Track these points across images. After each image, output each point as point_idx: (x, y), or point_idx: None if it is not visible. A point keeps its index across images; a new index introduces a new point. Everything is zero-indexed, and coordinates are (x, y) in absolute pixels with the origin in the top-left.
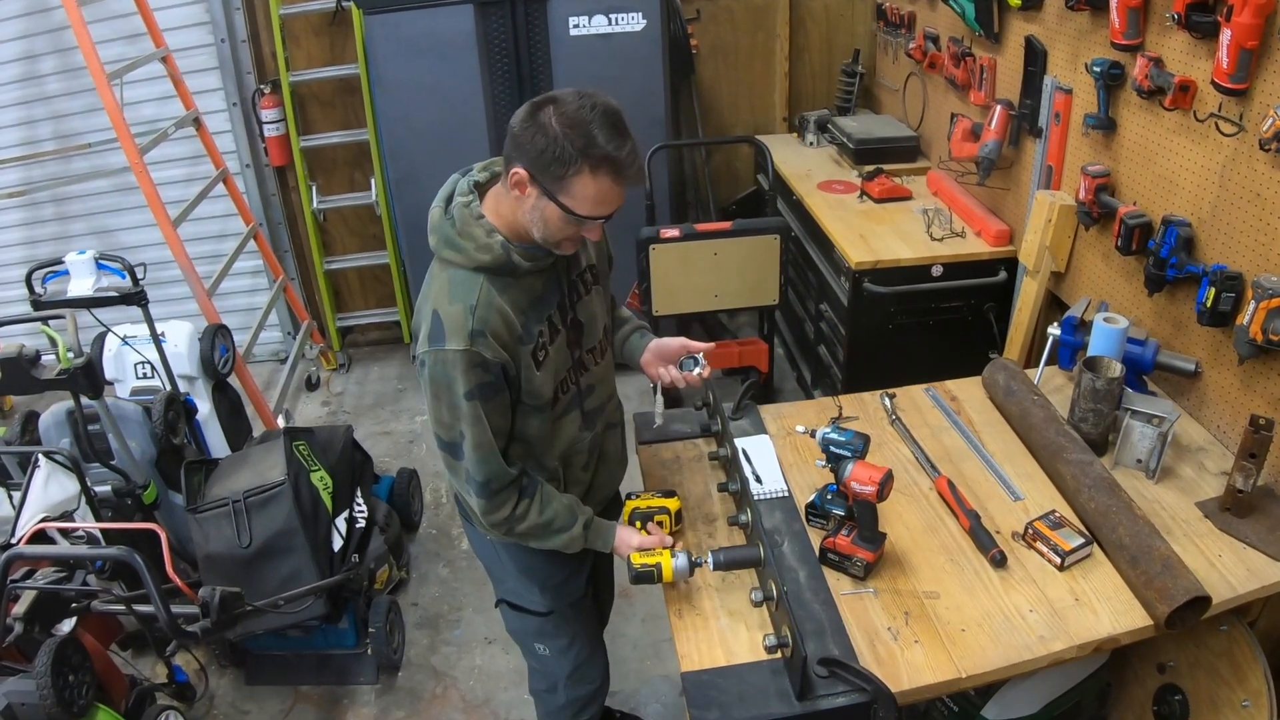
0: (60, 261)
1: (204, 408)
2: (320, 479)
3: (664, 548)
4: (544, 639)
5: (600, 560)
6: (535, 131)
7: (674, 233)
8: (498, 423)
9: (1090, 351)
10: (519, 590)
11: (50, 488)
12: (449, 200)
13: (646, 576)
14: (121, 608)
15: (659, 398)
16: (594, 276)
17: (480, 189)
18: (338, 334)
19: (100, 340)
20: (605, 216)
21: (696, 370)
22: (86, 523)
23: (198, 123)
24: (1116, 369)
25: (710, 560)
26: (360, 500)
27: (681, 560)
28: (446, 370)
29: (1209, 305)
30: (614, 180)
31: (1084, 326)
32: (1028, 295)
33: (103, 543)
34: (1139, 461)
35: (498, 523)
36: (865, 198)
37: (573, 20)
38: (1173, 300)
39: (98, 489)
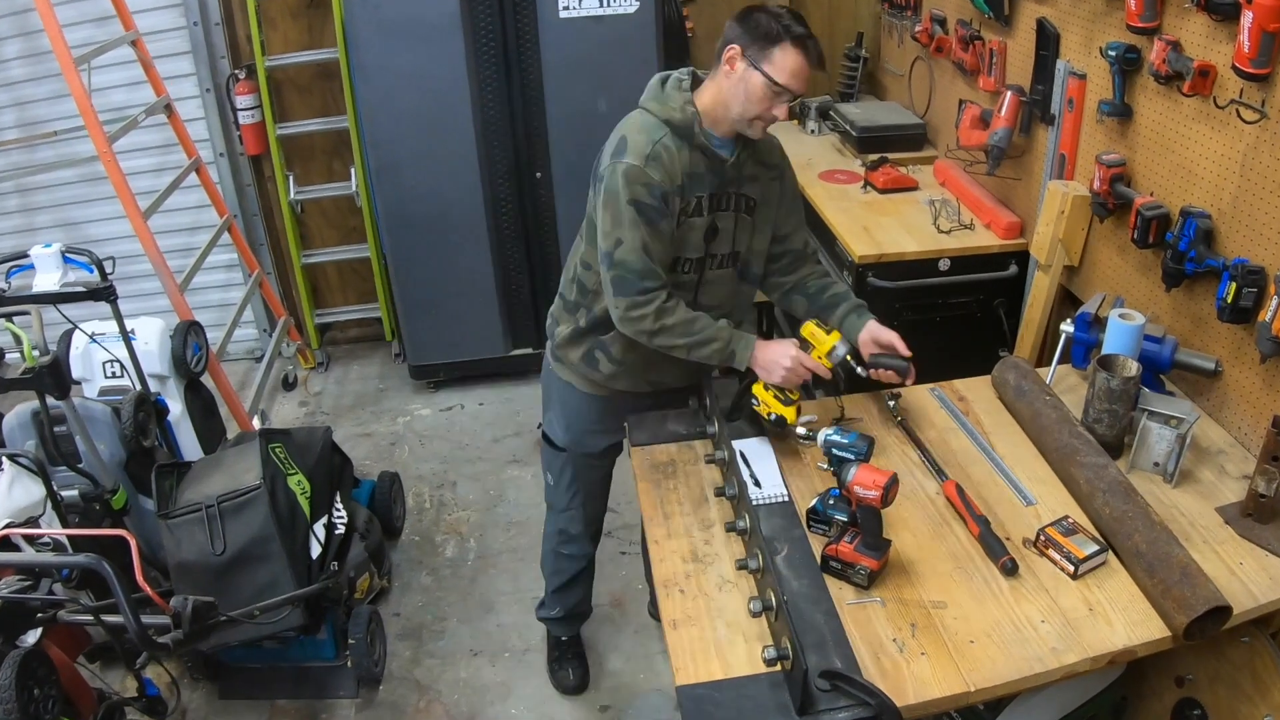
0: (25, 255)
1: (176, 408)
2: (298, 483)
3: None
4: (553, 470)
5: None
6: (748, 19)
7: None
8: (656, 244)
9: (1105, 349)
10: (551, 420)
11: (14, 492)
12: (664, 81)
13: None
14: (89, 618)
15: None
16: (749, 208)
17: (694, 81)
18: (316, 331)
19: (67, 338)
20: (795, 93)
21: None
22: (52, 529)
23: (169, 109)
24: (1133, 368)
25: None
26: (339, 505)
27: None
28: (618, 179)
29: (1230, 301)
30: (806, 57)
31: (1098, 323)
32: (1039, 290)
33: (70, 550)
34: (1156, 465)
35: (645, 315)
36: (869, 188)
37: (562, 2)
38: (1191, 295)
39: (64, 493)
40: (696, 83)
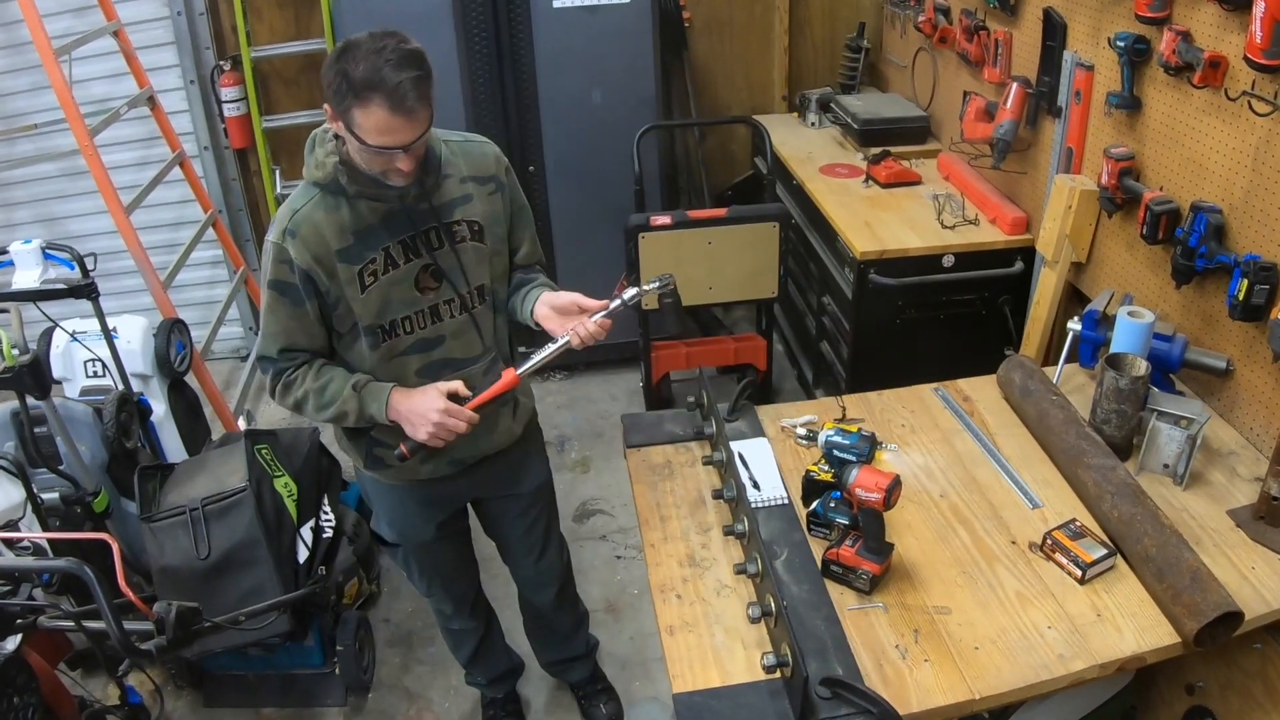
0: (4, 251)
1: (159, 409)
2: (284, 485)
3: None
4: (404, 565)
5: (497, 528)
6: (328, 70)
7: (665, 220)
8: (288, 325)
9: (1113, 348)
10: (377, 518)
11: None
12: (313, 140)
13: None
14: (70, 624)
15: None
16: (474, 233)
17: None
18: None
19: (47, 336)
20: (399, 147)
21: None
22: (33, 532)
23: (152, 102)
24: (1141, 367)
25: None
26: (327, 508)
27: None
28: (266, 258)
29: (1241, 298)
30: (388, 111)
31: (1106, 321)
32: (1046, 287)
33: (50, 554)
34: (1166, 466)
35: (278, 395)
36: (871, 182)
37: None
38: (1202, 293)
39: (45, 496)
40: None
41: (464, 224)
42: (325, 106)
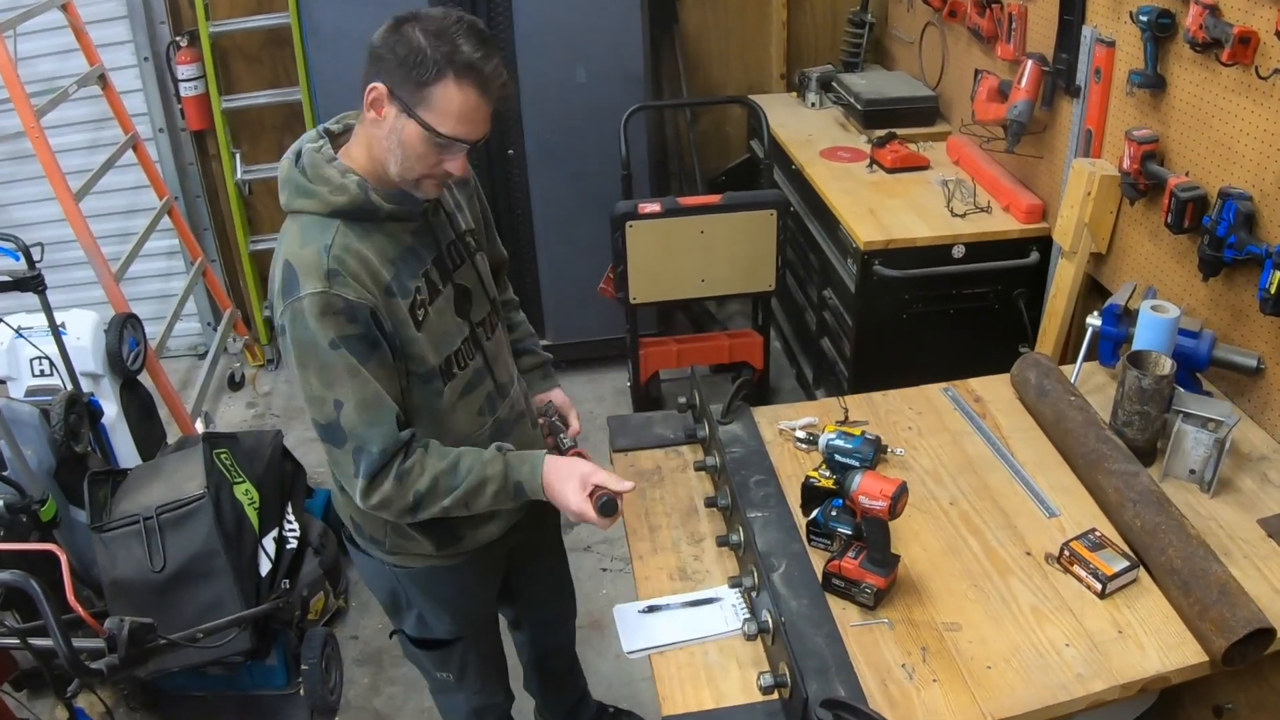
0: None
1: (111, 410)
2: (245, 493)
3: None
4: (448, 667)
5: (534, 573)
6: (396, 41)
7: (654, 207)
8: (377, 390)
9: (1136, 345)
10: (420, 620)
11: None
12: (299, 154)
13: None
14: (15, 641)
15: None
16: (476, 242)
17: (333, 139)
18: (265, 325)
19: None
20: (470, 141)
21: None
22: None
23: (103, 80)
24: (1166, 365)
25: None
26: (291, 517)
27: None
28: (306, 323)
29: (1273, 291)
30: (479, 94)
31: (1128, 316)
32: (1064, 280)
33: None
34: (1192, 472)
35: (390, 498)
36: (875, 167)
37: None
38: (1231, 285)
39: None
40: (334, 139)
41: (469, 234)
42: (373, 87)
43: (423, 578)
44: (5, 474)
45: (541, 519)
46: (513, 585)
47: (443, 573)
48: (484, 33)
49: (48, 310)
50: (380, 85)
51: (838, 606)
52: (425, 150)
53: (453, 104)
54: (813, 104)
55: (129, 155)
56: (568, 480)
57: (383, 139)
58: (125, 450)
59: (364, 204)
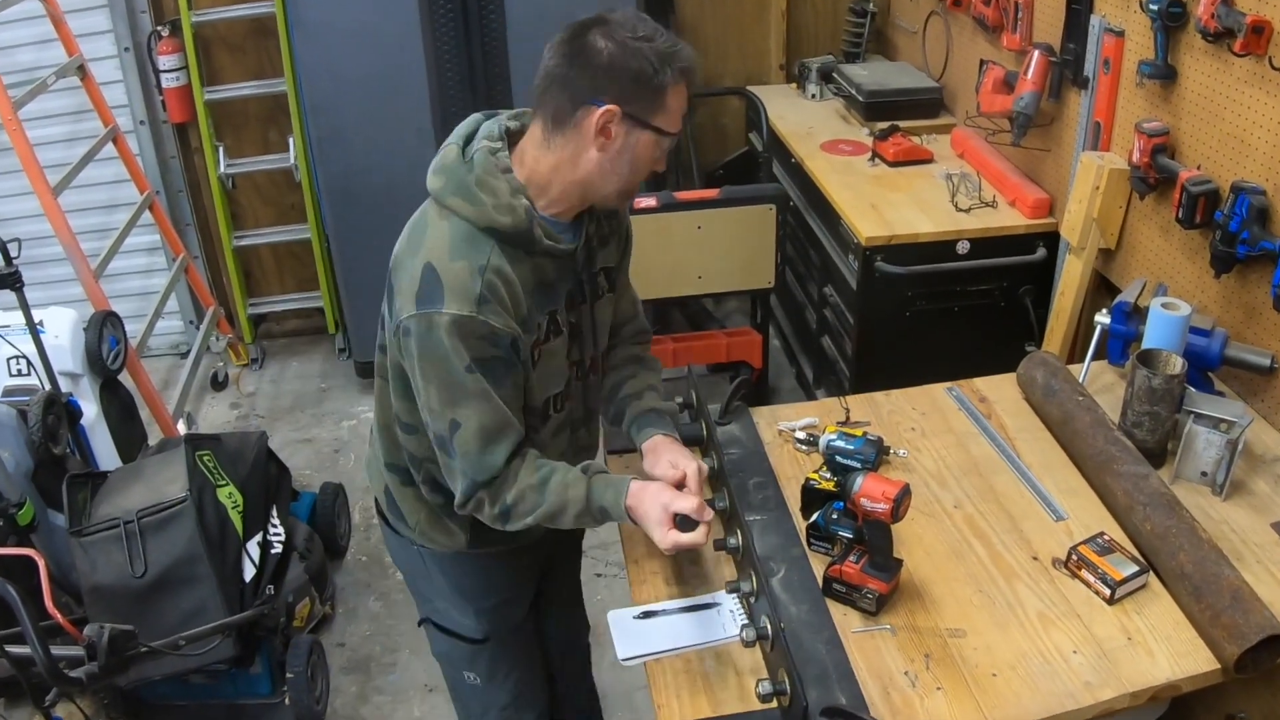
0: None
1: (90, 410)
2: (229, 496)
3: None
4: (475, 667)
5: (556, 583)
6: (624, 56)
7: (649, 202)
8: (505, 412)
9: (1145, 344)
10: (449, 612)
11: None
12: (468, 140)
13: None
14: None
15: None
16: (609, 283)
17: (510, 138)
18: (249, 323)
19: None
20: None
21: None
22: None
23: (82, 71)
24: (1177, 364)
25: None
26: (276, 521)
27: None
28: (442, 339)
29: None
30: (689, 86)
31: (1138, 314)
32: (1071, 276)
33: None
34: (1204, 474)
35: (483, 504)
36: (878, 160)
37: None
38: (1244, 282)
39: None
40: (511, 137)
41: (602, 272)
42: (608, 110)
43: (450, 563)
44: None
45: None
46: (538, 597)
47: (469, 562)
48: (665, 30)
49: (25, 308)
50: (614, 107)
51: (839, 612)
52: (652, 154)
53: (678, 102)
54: (813, 95)
55: (109, 148)
56: (651, 509)
57: (609, 162)
58: (105, 452)
59: (525, 232)
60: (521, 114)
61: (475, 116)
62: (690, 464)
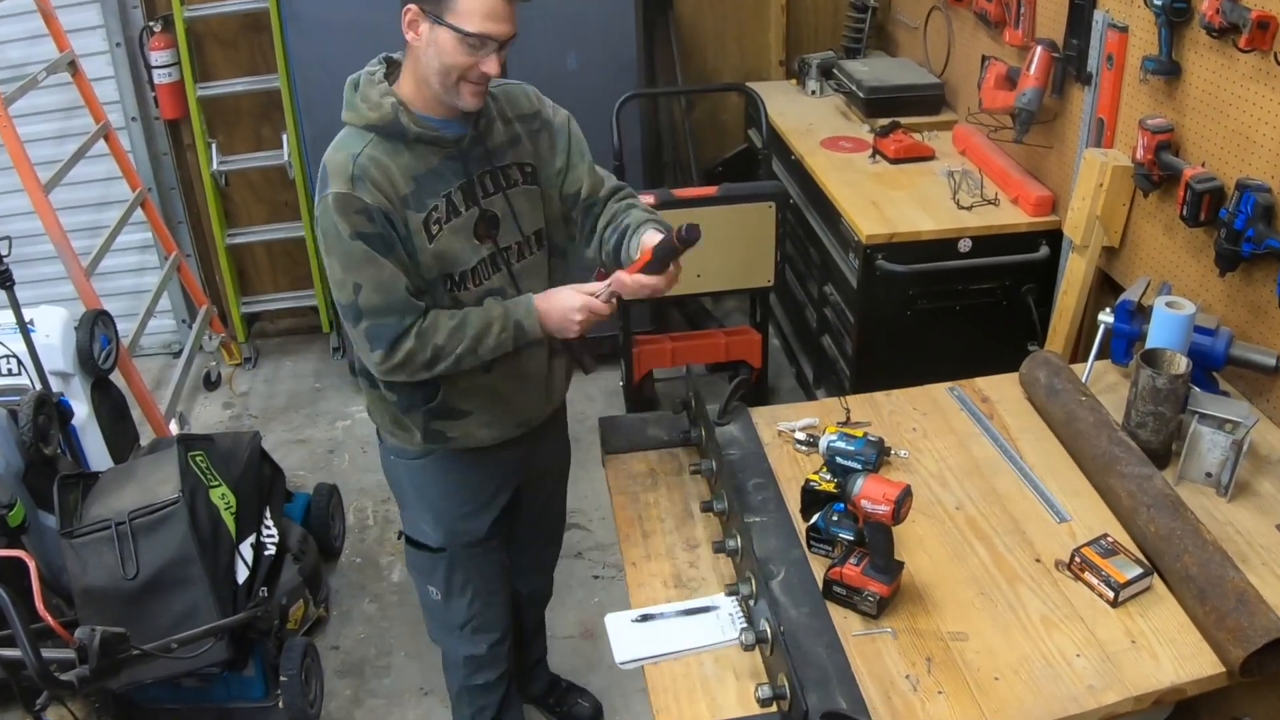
0: None
1: (81, 410)
2: (221, 497)
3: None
4: (434, 580)
5: (526, 513)
6: None
7: (648, 200)
8: (393, 276)
9: (1150, 343)
10: (415, 522)
11: None
12: (356, 83)
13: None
14: None
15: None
16: (525, 175)
17: (392, 67)
18: (242, 322)
19: None
20: (497, 38)
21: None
22: None
23: (74, 67)
24: (1181, 364)
25: None
26: (270, 522)
27: None
28: (331, 216)
29: None
30: None
31: (1142, 313)
32: (1074, 275)
33: None
34: (1208, 475)
35: (410, 350)
36: (878, 157)
37: None
38: (1249, 281)
39: None
40: (395, 69)
41: (515, 167)
42: (407, 9)
43: (415, 471)
44: None
45: (553, 456)
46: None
47: (437, 470)
48: None
49: (15, 307)
50: (412, 6)
51: (839, 615)
52: (460, 54)
53: (474, 4)
54: (813, 92)
55: (100, 145)
56: (558, 301)
57: (421, 56)
58: (96, 452)
59: (393, 123)
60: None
61: (358, 72)
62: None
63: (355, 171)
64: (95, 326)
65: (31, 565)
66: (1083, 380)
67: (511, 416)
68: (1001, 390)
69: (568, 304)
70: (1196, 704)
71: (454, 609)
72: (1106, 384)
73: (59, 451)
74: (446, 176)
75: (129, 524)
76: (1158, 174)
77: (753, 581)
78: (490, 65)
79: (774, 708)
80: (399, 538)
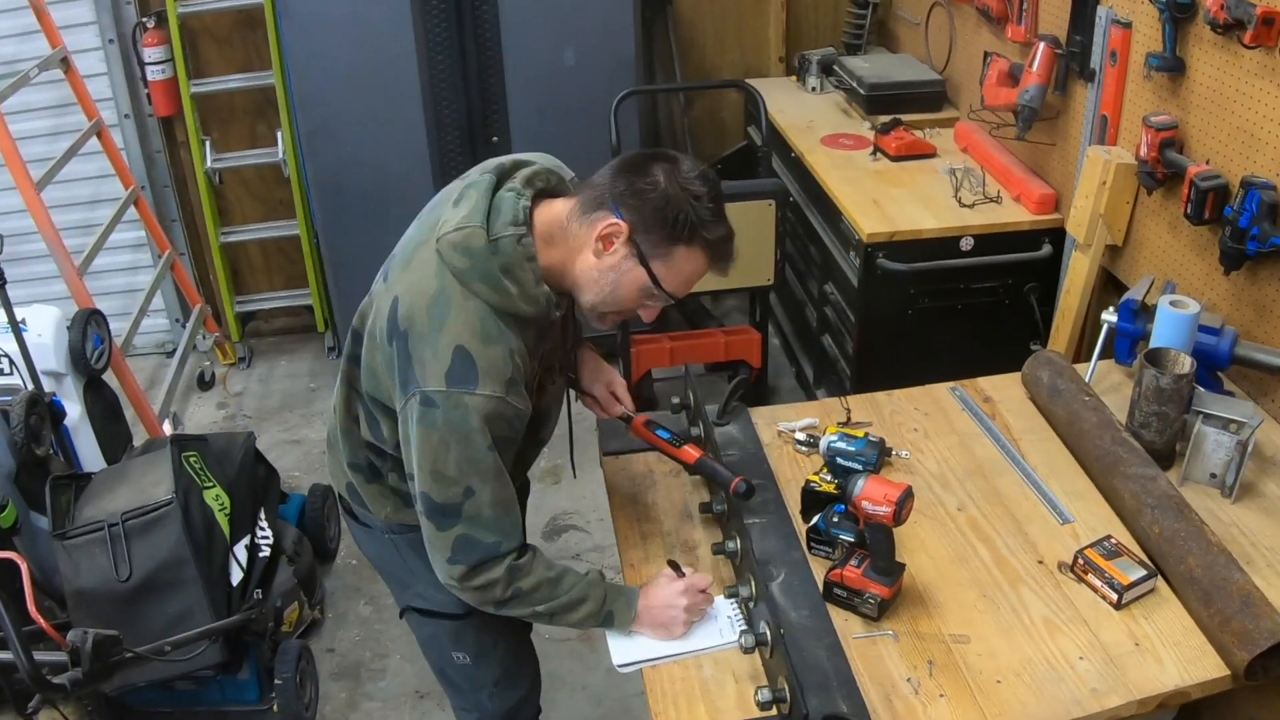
0: None
1: (74, 410)
2: (216, 498)
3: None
4: (463, 645)
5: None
6: (655, 191)
7: None
8: (514, 493)
9: (1153, 342)
10: (428, 592)
11: None
12: (488, 214)
13: None
14: None
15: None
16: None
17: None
18: (236, 321)
19: None
20: (680, 300)
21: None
22: None
23: (66, 64)
24: (1185, 364)
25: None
26: (264, 524)
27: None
28: (472, 420)
29: None
30: (712, 265)
31: (1146, 312)
32: (1077, 274)
33: None
34: (1213, 476)
35: (494, 582)
36: (879, 155)
37: None
38: (1254, 280)
39: None
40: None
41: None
42: (613, 223)
43: (419, 545)
44: None
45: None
46: None
47: None
48: (723, 203)
49: (7, 306)
50: (623, 224)
51: (839, 617)
52: (638, 298)
53: (687, 268)
54: (813, 88)
55: (93, 142)
56: (663, 594)
57: (595, 270)
58: (89, 453)
59: (545, 320)
60: (535, 175)
61: (489, 176)
62: (619, 382)
63: (513, 374)
64: (88, 326)
65: (23, 567)
66: (1086, 380)
67: (529, 464)
68: (1004, 390)
69: (670, 596)
70: (1201, 707)
71: (486, 667)
72: (1110, 384)
73: (51, 452)
74: (540, 345)
75: (122, 525)
76: (1162, 172)
77: (752, 583)
78: (649, 314)
79: (774, 711)
80: (401, 617)
